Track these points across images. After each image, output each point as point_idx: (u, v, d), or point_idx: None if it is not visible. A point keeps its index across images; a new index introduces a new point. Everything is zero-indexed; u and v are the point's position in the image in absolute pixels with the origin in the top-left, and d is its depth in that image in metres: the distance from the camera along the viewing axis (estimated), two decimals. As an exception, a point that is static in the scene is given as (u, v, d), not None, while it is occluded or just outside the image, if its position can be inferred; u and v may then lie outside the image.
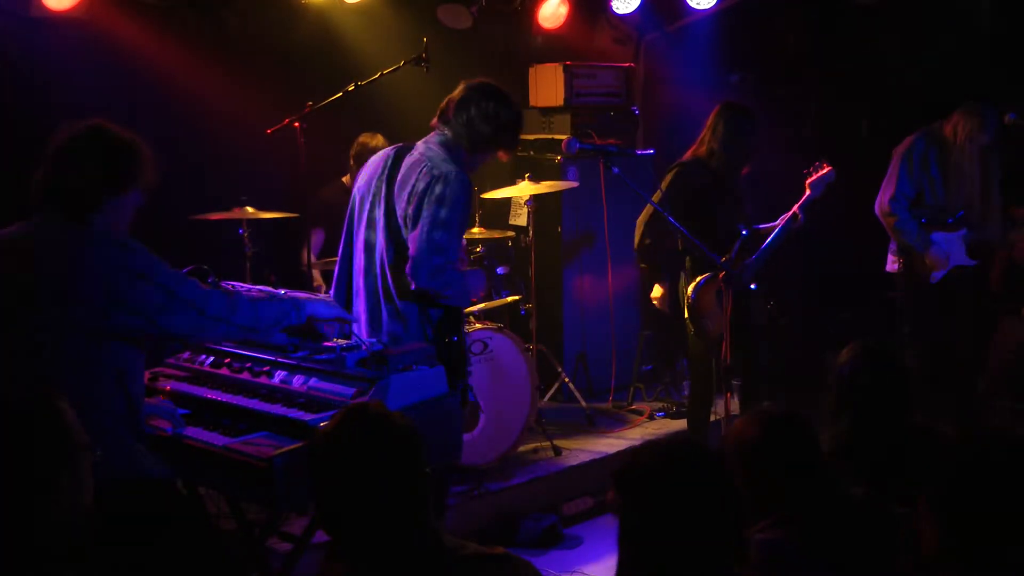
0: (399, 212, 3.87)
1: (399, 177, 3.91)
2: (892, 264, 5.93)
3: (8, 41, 5.42)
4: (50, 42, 5.56)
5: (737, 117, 5.33)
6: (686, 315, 5.32)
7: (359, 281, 4.01)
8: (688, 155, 5.41)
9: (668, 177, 5.36)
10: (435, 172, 3.81)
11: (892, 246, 5.94)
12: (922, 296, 5.83)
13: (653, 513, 2.13)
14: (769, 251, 5.26)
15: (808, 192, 5.28)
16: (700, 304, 5.26)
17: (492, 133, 3.96)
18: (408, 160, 3.94)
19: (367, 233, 3.98)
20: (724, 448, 2.75)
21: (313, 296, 3.69)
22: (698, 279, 5.25)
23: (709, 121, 5.37)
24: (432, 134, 4.01)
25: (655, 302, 5.60)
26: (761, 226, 5.38)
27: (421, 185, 3.81)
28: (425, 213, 3.76)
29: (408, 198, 3.84)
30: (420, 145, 3.99)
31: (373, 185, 3.99)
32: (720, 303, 5.04)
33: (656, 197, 5.09)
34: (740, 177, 5.45)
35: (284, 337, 3.43)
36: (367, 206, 3.99)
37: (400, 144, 4.09)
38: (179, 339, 3.31)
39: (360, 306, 3.99)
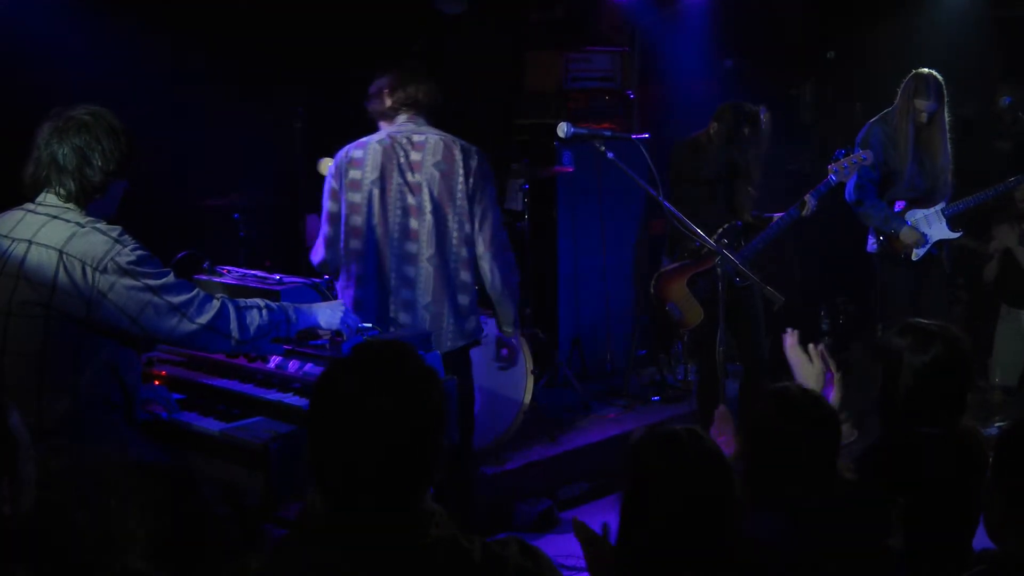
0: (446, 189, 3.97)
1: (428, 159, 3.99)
2: (872, 245, 5.91)
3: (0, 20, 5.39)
4: (43, 21, 5.53)
5: (738, 117, 5.29)
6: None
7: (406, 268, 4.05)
8: (688, 138, 5.42)
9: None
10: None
11: None
12: (899, 275, 5.79)
13: (655, 499, 2.16)
14: (761, 244, 5.23)
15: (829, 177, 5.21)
16: (664, 291, 5.26)
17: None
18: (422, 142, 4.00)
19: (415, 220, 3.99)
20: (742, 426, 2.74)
21: (315, 304, 3.41)
22: (664, 267, 5.27)
23: (714, 116, 5.36)
24: (410, 119, 4.06)
25: None
26: (771, 215, 5.32)
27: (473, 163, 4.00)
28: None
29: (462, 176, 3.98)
30: (427, 130, 4.05)
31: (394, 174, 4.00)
32: (694, 293, 5.09)
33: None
34: (755, 173, 5.38)
35: (274, 347, 3.28)
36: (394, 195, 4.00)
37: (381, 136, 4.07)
38: (164, 342, 3.17)
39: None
